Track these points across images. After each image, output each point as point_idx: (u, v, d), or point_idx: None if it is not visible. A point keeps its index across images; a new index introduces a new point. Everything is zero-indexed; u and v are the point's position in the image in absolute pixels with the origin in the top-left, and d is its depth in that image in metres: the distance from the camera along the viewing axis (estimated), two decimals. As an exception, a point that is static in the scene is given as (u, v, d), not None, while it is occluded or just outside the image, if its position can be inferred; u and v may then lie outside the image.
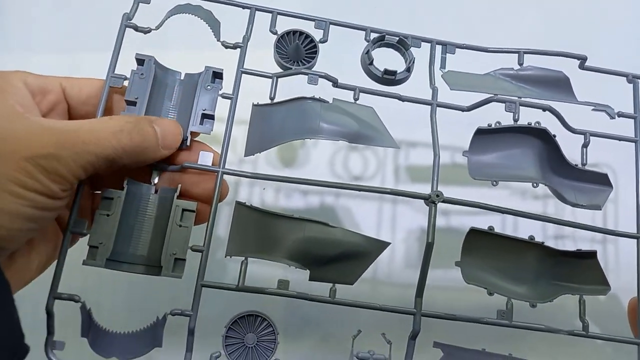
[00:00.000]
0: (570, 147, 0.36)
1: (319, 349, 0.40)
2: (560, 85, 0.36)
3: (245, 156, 0.32)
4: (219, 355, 0.29)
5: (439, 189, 0.30)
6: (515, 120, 0.33)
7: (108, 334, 0.29)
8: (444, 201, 0.31)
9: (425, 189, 0.31)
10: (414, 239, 0.44)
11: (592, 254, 0.33)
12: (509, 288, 0.31)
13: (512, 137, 0.33)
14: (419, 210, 0.45)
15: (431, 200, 0.31)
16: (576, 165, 0.35)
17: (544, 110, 0.33)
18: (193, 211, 0.31)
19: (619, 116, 0.37)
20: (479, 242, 0.31)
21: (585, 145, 0.36)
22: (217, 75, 0.32)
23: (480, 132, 0.32)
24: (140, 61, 0.32)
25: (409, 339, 0.31)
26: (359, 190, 0.31)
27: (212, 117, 0.31)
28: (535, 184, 0.32)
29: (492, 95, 0.33)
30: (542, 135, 0.33)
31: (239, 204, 0.31)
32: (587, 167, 0.35)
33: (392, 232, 0.44)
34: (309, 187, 0.45)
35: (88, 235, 0.29)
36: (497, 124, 0.33)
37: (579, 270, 0.34)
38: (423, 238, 0.44)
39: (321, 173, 0.46)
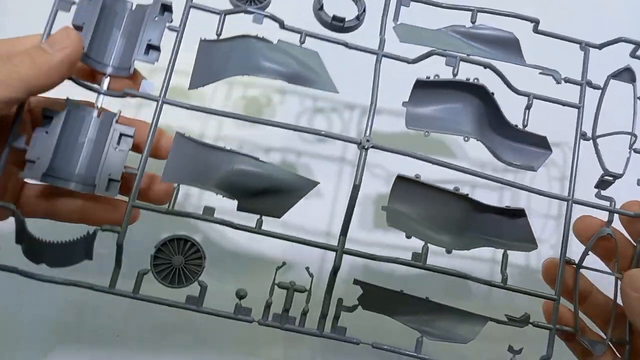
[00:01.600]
0: (514, 110, 0.36)
1: (319, 348, 0.41)
2: (510, 46, 0.37)
3: (189, 89, 0.33)
4: (146, 272, 0.31)
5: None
6: (454, 75, 0.33)
7: (40, 242, 0.30)
8: (373, 147, 0.32)
9: (386, 157, 0.31)
10: (370, 203, 0.45)
11: (520, 212, 0.34)
12: (430, 235, 0.32)
13: (452, 92, 0.34)
14: (377, 176, 0.46)
15: (362, 146, 0.32)
16: (516, 125, 0.36)
17: (485, 67, 0.34)
18: (131, 136, 0.32)
19: (565, 82, 0.37)
20: (406, 189, 0.32)
21: (527, 107, 0.36)
22: (167, 7, 0.33)
23: (419, 85, 0.33)
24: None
25: (330, 274, 0.32)
26: (295, 130, 0.32)
27: (157, 48, 0.32)
28: (466, 138, 0.33)
29: (435, 49, 0.34)
30: (480, 92, 0.34)
31: (178, 134, 0.32)
32: (527, 130, 0.36)
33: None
34: (272, 145, 0.46)
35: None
36: (436, 77, 0.33)
37: (507, 226, 0.35)
38: (379, 202, 0.45)
39: (285, 133, 0.47)
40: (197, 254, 0.32)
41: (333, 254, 0.31)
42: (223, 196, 0.31)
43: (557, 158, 0.46)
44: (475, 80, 0.34)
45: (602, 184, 0.36)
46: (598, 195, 0.36)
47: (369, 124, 0.32)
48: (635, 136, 0.36)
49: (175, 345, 0.40)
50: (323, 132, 0.32)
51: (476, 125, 0.34)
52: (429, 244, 0.31)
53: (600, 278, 0.36)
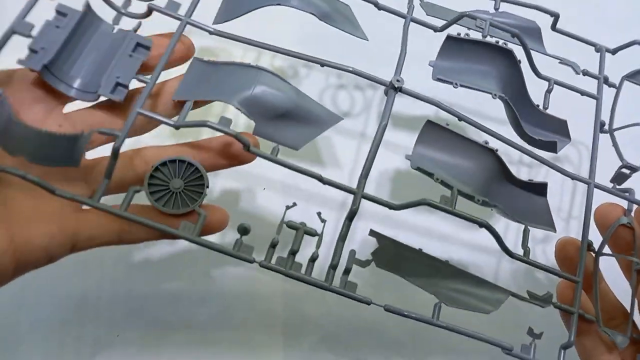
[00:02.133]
0: (532, 95, 0.36)
1: (318, 349, 0.39)
2: (531, 35, 0.37)
3: (213, 23, 0.32)
4: (139, 190, 0.27)
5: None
6: (484, 37, 0.33)
7: (21, 126, 0.26)
8: (402, 90, 0.30)
9: (404, 135, 0.30)
10: (387, 179, 0.43)
11: (542, 187, 0.33)
12: (456, 183, 0.30)
13: (480, 53, 0.33)
14: (396, 152, 0.44)
15: (392, 86, 0.30)
16: (538, 105, 0.35)
17: (513, 35, 0.34)
18: (148, 47, 0.29)
19: (584, 74, 0.37)
20: (435, 136, 0.30)
21: (548, 91, 0.36)
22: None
23: (450, 41, 0.33)
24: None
25: (345, 220, 0.29)
26: (322, 64, 0.30)
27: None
28: (494, 95, 0.32)
29: (465, 12, 0.34)
30: (508, 59, 0.33)
31: (196, 59, 0.30)
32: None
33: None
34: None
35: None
36: (466, 35, 0.33)
37: (525, 202, 0.33)
38: (395, 179, 0.43)
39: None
40: (199, 180, 0.28)
41: (350, 205, 0.28)
42: (241, 112, 0.28)
43: (570, 154, 0.45)
44: (504, 44, 0.33)
45: (618, 177, 0.35)
46: (613, 189, 0.35)
47: (400, 68, 0.31)
48: (650, 130, 0.36)
49: (175, 345, 0.39)
50: (351, 69, 0.30)
51: (501, 89, 0.33)
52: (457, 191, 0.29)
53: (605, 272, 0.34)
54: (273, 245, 0.28)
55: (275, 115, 0.29)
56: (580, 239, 0.33)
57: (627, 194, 0.34)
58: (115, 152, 0.27)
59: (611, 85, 0.38)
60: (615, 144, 0.36)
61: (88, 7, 0.29)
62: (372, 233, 0.29)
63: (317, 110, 0.29)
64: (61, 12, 0.29)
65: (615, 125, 0.37)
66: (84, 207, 0.28)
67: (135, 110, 0.28)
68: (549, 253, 0.44)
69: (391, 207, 0.29)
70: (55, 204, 0.26)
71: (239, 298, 0.40)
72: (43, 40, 0.28)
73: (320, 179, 0.29)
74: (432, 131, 0.30)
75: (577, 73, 0.37)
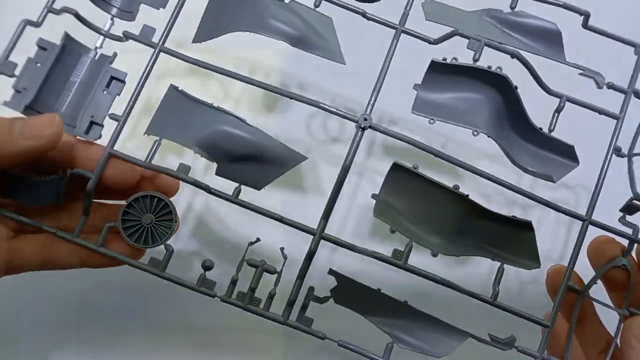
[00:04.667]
0: (541, 112, 0.32)
1: (319, 351, 0.40)
2: (550, 40, 0.33)
3: (192, 42, 0.31)
4: (112, 226, 0.30)
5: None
6: (475, 61, 0.30)
7: (8, 175, 0.29)
8: (371, 127, 0.29)
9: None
10: (369, 212, 0.41)
11: (527, 225, 0.31)
12: (418, 234, 0.29)
13: (470, 80, 0.30)
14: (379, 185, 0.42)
15: (359, 124, 0.29)
16: (541, 129, 0.32)
17: (512, 56, 0.30)
18: (123, 81, 0.30)
19: (608, 87, 0.33)
20: (401, 180, 0.29)
21: (558, 110, 0.32)
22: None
23: (434, 67, 0.30)
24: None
25: (304, 259, 0.30)
26: (298, 100, 0.29)
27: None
28: (476, 132, 0.30)
29: (457, 29, 0.30)
30: (502, 84, 0.30)
31: (172, 86, 0.31)
32: (554, 135, 0.32)
33: (350, 202, 0.42)
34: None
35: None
36: (453, 60, 0.30)
37: (508, 237, 0.31)
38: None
39: (296, 129, 0.43)
40: (168, 216, 0.30)
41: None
42: (202, 156, 0.29)
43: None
44: (498, 70, 0.30)
45: (630, 208, 0.32)
46: (622, 220, 0.32)
47: (372, 101, 0.29)
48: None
49: (175, 345, 0.39)
50: (321, 104, 0.29)
51: (492, 121, 0.31)
52: (414, 243, 0.28)
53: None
54: (233, 282, 0.30)
55: (237, 158, 0.29)
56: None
57: (629, 232, 0.31)
58: (89, 193, 0.29)
59: (644, 99, 0.33)
60: (630, 171, 0.32)
61: (67, 37, 0.30)
62: (331, 272, 0.30)
63: (279, 150, 0.29)
64: (42, 46, 0.30)
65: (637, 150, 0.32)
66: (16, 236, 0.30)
67: (106, 151, 0.29)
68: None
69: (352, 249, 0.29)
70: None
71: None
72: (25, 79, 0.29)
73: (280, 220, 0.29)
74: (398, 176, 0.29)
75: (600, 87, 0.32)
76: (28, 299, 0.39)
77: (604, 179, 0.32)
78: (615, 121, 0.32)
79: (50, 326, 0.39)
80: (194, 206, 0.41)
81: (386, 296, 0.30)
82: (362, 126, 0.28)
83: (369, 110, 0.29)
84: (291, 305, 0.30)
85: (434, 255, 0.29)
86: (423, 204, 0.29)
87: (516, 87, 0.30)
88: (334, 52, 0.30)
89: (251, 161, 0.29)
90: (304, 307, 0.30)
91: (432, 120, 0.29)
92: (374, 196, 0.30)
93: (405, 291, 0.31)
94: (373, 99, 0.29)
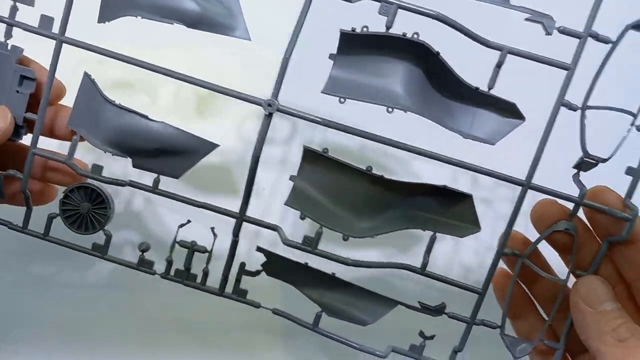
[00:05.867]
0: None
1: (318, 350, 0.40)
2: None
3: (98, 22, 0.30)
4: (55, 216, 0.32)
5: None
6: (388, 28, 0.26)
7: None
8: (279, 110, 0.27)
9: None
10: None
11: (460, 192, 0.29)
12: (343, 217, 0.29)
13: (386, 50, 0.27)
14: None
15: (264, 110, 0.28)
16: (477, 88, 0.29)
17: (435, 19, 0.26)
18: (32, 79, 0.30)
19: (560, 32, 0.28)
20: (315, 163, 0.28)
21: (498, 64, 0.29)
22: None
23: (346, 39, 0.27)
24: None
25: (232, 239, 0.31)
26: (199, 85, 0.28)
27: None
28: (390, 109, 0.27)
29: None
30: (421, 51, 0.27)
31: (86, 74, 0.30)
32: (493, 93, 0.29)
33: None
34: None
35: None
36: (364, 29, 0.27)
37: (443, 206, 0.30)
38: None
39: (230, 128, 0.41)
40: (103, 204, 0.32)
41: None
42: (114, 154, 0.29)
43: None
44: (415, 36, 0.26)
45: (584, 165, 0.30)
46: (575, 177, 0.30)
47: (278, 85, 0.28)
48: (635, 116, 0.28)
49: (175, 345, 0.40)
50: (224, 89, 0.28)
51: (415, 93, 0.28)
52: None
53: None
54: (169, 262, 0.31)
55: (148, 152, 0.29)
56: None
57: (575, 196, 0.29)
58: (23, 191, 0.31)
59: (603, 40, 0.28)
60: (582, 126, 0.29)
61: None
62: (259, 249, 0.31)
63: (189, 141, 0.29)
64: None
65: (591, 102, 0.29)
66: None
67: (30, 152, 0.30)
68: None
69: (274, 229, 0.30)
70: None
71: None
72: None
73: (203, 206, 0.30)
74: (311, 160, 0.28)
75: (548, 34, 0.28)
76: (28, 299, 0.40)
77: (547, 137, 0.29)
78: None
79: (50, 326, 0.40)
80: (135, 198, 0.42)
81: (313, 269, 0.31)
82: (266, 113, 0.27)
83: (276, 94, 0.27)
84: (226, 278, 0.32)
85: (345, 239, 0.29)
86: (340, 186, 0.28)
87: (438, 53, 0.27)
88: (235, 26, 0.28)
89: (164, 153, 0.29)
90: (238, 280, 0.32)
91: (342, 100, 0.27)
92: (292, 178, 0.29)
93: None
94: (282, 75, 0.27)
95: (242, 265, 0.31)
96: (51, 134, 0.32)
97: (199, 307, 0.39)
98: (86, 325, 0.40)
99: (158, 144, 0.29)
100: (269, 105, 0.27)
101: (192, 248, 0.31)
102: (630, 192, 0.29)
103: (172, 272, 0.32)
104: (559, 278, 0.30)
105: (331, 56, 0.28)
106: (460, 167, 0.29)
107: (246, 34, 0.28)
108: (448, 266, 0.40)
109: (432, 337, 0.31)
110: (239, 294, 0.32)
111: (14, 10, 0.30)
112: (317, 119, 0.28)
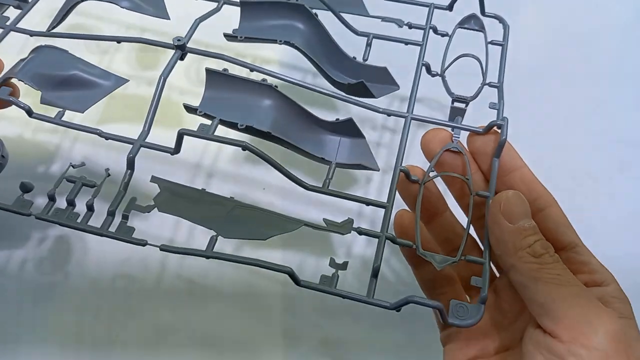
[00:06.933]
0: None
1: (318, 351, 0.40)
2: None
3: (47, 30, 0.36)
4: None
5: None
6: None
7: None
8: (190, 51, 0.32)
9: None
10: None
11: (350, 123, 0.32)
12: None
13: (275, 11, 0.35)
14: None
15: (173, 47, 0.32)
16: (354, 57, 0.36)
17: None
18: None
19: (409, 27, 0.38)
20: (216, 81, 0.31)
21: (368, 44, 0.37)
22: None
23: (243, 3, 0.35)
24: None
25: (126, 169, 0.29)
26: (120, 41, 0.33)
27: None
28: (280, 41, 0.33)
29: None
30: (302, 12, 0.34)
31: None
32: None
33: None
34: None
35: None
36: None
37: (344, 146, 0.32)
38: None
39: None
40: (-4, 151, 0.31)
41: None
42: (25, 82, 0.31)
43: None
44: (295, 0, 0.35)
45: (454, 113, 0.34)
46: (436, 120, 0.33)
47: (192, 31, 0.33)
48: (479, 59, 0.35)
49: (175, 345, 0.39)
50: (142, 39, 0.33)
51: (307, 44, 0.34)
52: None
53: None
54: (51, 198, 0.29)
55: (57, 83, 0.31)
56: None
57: (447, 122, 0.32)
58: None
59: (443, 34, 0.37)
60: (445, 84, 0.35)
61: None
62: (154, 179, 0.29)
63: (99, 75, 0.32)
64: None
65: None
66: None
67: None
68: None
69: (170, 152, 0.30)
70: None
71: (239, 300, 0.40)
72: None
73: (100, 134, 0.30)
74: (213, 78, 0.31)
75: (400, 27, 0.37)
76: (28, 299, 0.40)
77: (417, 86, 0.34)
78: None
79: (50, 327, 0.39)
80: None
81: (211, 194, 0.29)
82: (176, 45, 0.32)
83: (188, 38, 0.33)
84: (112, 215, 0.28)
85: (241, 126, 0.29)
86: (239, 99, 0.31)
87: (316, 15, 0.35)
88: (159, 6, 0.35)
89: (71, 86, 0.31)
90: (125, 217, 0.28)
91: (241, 38, 0.33)
92: (196, 107, 0.31)
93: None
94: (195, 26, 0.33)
95: (133, 200, 0.29)
96: None
97: (199, 307, 0.40)
98: (86, 325, 0.39)
99: (64, 75, 0.31)
100: (178, 40, 0.32)
101: (81, 181, 0.29)
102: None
103: (50, 213, 0.28)
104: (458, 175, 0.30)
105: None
106: (342, 100, 0.33)
107: (166, 14, 0.35)
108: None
109: (345, 266, 0.27)
110: (124, 233, 0.28)
111: None
112: (218, 54, 0.32)
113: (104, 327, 0.39)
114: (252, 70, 0.32)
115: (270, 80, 0.32)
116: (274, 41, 0.33)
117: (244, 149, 0.28)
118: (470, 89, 0.34)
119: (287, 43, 0.33)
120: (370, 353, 0.39)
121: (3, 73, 0.32)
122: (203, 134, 0.28)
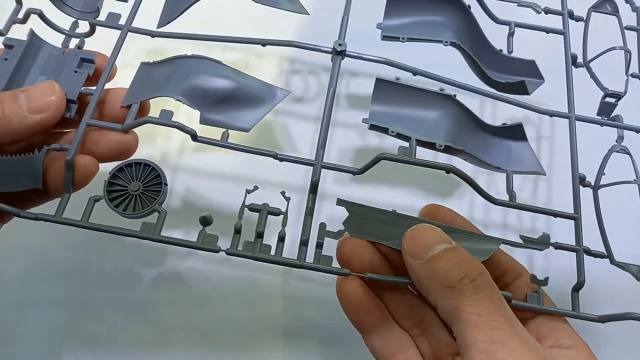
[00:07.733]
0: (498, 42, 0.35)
1: (318, 351, 0.39)
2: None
3: (158, 27, 0.32)
4: (99, 199, 0.27)
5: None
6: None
7: None
8: (346, 54, 0.30)
9: (363, 114, 0.29)
10: (347, 157, 0.42)
11: (519, 128, 0.31)
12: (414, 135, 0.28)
13: (427, 4, 0.32)
14: (354, 131, 0.43)
15: (335, 52, 0.30)
16: (500, 50, 0.34)
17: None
18: (92, 61, 0.30)
19: (545, 12, 0.36)
20: (387, 91, 0.29)
21: (510, 34, 0.35)
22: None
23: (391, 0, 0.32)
24: (9, 46, 0.30)
25: (308, 193, 0.28)
26: (263, 44, 0.30)
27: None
28: (445, 42, 0.31)
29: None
30: (456, 5, 0.32)
31: (143, 63, 0.31)
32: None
33: (327, 153, 0.42)
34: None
35: None
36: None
37: (507, 150, 0.31)
38: (356, 157, 0.42)
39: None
40: (157, 179, 0.28)
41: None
42: (183, 103, 0.28)
43: (546, 96, 0.42)
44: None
45: (604, 108, 0.33)
46: (603, 121, 0.33)
47: (344, 31, 0.31)
48: (630, 52, 0.34)
49: (175, 345, 0.39)
50: (295, 43, 0.30)
51: (457, 39, 0.32)
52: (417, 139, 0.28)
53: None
54: (237, 231, 0.27)
55: (218, 100, 0.28)
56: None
57: (614, 122, 0.32)
58: (68, 165, 0.27)
59: (578, 19, 0.36)
60: (592, 75, 0.34)
61: (32, 34, 0.30)
62: (340, 202, 0.28)
63: (262, 88, 0.29)
64: (8, 45, 0.30)
65: (588, 57, 0.35)
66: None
67: (84, 121, 0.28)
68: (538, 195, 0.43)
69: (353, 172, 0.28)
70: None
71: (239, 300, 0.39)
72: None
73: (275, 157, 0.28)
74: (383, 88, 0.29)
75: (538, 12, 0.36)
76: (28, 299, 0.39)
77: (572, 81, 0.33)
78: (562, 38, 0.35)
79: (50, 327, 0.38)
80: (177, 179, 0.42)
81: (405, 216, 0.28)
82: (338, 50, 0.29)
83: (342, 38, 0.30)
84: (305, 245, 0.27)
85: (440, 147, 0.28)
86: (411, 110, 0.29)
87: (469, 6, 0.33)
88: (294, 2, 0.32)
89: (234, 102, 0.28)
90: (319, 246, 0.27)
91: (403, 39, 0.31)
92: (364, 120, 0.29)
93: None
94: (345, 26, 0.30)
95: (323, 226, 0.28)
96: (100, 116, 0.30)
97: (199, 307, 0.39)
98: (86, 325, 0.38)
99: (228, 90, 0.28)
100: (340, 45, 0.29)
101: (266, 210, 0.27)
102: None
103: (239, 246, 0.27)
104: None
105: (379, 25, 0.32)
106: (502, 101, 0.32)
107: (303, 9, 0.32)
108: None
109: (546, 282, 0.28)
110: (323, 262, 0.27)
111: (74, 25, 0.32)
112: (381, 58, 0.30)
113: (104, 327, 0.38)
114: (415, 74, 0.30)
115: (440, 85, 0.30)
116: (439, 42, 0.31)
117: (447, 172, 0.27)
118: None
119: (453, 44, 0.31)
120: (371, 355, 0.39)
121: (145, 89, 0.29)
122: (405, 157, 0.27)
